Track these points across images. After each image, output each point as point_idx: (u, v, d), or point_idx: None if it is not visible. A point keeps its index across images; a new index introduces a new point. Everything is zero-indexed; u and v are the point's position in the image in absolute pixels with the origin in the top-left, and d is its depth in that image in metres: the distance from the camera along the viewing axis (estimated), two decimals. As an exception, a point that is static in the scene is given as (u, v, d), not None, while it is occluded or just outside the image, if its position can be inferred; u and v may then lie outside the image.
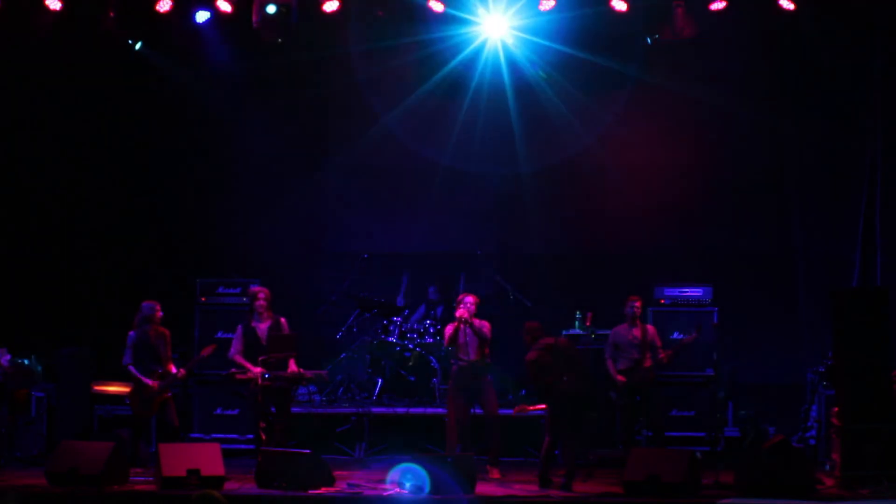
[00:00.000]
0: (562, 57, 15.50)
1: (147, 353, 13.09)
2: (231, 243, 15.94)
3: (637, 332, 13.56)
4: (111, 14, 14.50)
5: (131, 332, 13.17)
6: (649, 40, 14.75)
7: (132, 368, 13.06)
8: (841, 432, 12.21)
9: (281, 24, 14.45)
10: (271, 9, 14.32)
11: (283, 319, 13.37)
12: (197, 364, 13.65)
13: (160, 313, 13.16)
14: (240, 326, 13.40)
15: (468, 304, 13.11)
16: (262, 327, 13.27)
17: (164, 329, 13.23)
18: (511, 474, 12.99)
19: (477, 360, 13.10)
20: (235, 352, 13.24)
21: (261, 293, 13.35)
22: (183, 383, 14.31)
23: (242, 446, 13.71)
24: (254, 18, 14.38)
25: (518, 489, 12.14)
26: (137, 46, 15.09)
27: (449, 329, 13.26)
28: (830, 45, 14.91)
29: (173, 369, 13.13)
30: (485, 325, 13.16)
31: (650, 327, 13.71)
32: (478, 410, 13.16)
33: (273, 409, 13.02)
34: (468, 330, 13.03)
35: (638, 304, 13.62)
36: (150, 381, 12.98)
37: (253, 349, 13.19)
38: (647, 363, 13.44)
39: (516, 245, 16.21)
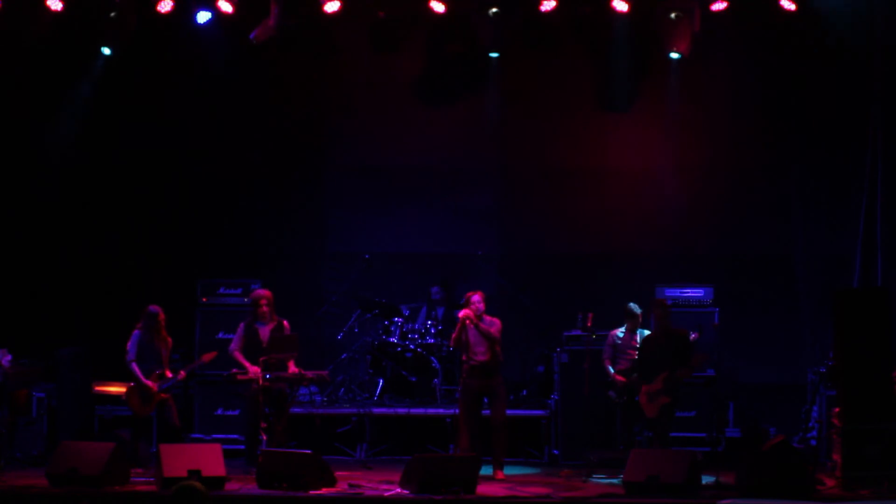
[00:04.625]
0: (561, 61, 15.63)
1: (149, 354, 13.15)
2: (232, 243, 15.93)
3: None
4: (111, 14, 14.56)
5: (136, 331, 13.22)
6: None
7: (134, 366, 13.10)
8: (842, 432, 12.20)
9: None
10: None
11: (285, 322, 13.39)
12: (198, 368, 13.68)
13: (158, 317, 13.19)
14: (242, 325, 13.45)
15: (475, 303, 12.86)
16: (265, 329, 13.31)
17: (168, 336, 13.29)
18: (510, 474, 12.98)
19: (488, 359, 12.91)
20: (235, 348, 13.27)
21: (262, 299, 13.34)
22: (183, 384, 14.31)
23: (243, 447, 13.68)
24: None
25: (518, 489, 12.13)
26: (106, 52, 15.03)
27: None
28: (830, 45, 14.91)
29: (169, 374, 13.17)
30: (494, 324, 12.91)
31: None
32: (484, 411, 13.02)
33: (271, 410, 13.03)
34: (474, 329, 12.85)
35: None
36: (149, 382, 13.01)
37: (253, 349, 13.23)
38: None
39: (516, 245, 16.19)
